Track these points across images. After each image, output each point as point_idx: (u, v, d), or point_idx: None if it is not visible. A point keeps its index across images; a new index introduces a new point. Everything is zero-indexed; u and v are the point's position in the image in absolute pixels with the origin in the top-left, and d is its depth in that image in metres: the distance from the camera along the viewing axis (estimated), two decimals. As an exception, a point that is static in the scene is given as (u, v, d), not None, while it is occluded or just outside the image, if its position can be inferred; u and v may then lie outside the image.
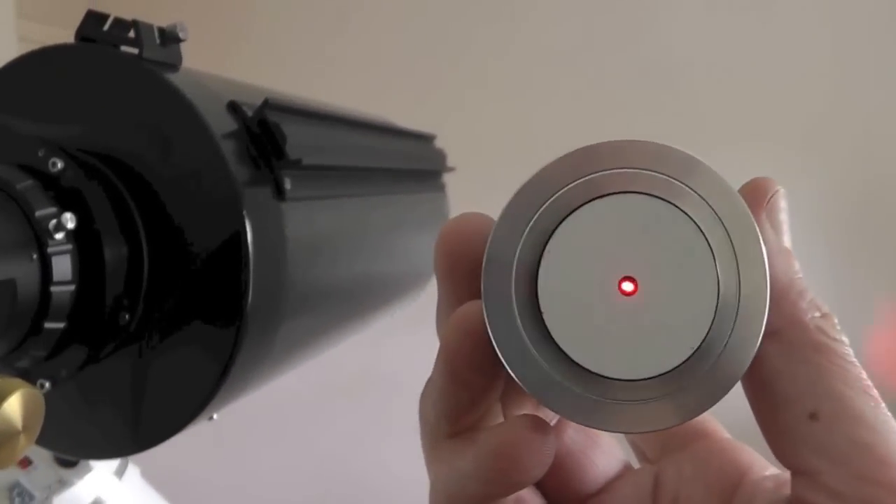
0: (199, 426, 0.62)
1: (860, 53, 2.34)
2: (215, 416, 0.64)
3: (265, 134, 0.61)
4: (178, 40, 0.61)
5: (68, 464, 0.74)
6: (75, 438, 0.63)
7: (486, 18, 2.64)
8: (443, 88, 2.67)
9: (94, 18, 0.61)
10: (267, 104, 0.62)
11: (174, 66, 0.62)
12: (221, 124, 0.59)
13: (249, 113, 0.62)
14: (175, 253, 0.58)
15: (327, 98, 0.91)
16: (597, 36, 2.56)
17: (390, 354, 2.47)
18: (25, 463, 0.74)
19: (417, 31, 2.71)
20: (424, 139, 1.04)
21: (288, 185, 0.61)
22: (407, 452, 2.09)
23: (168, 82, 0.58)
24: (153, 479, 0.85)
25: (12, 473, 0.73)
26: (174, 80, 0.58)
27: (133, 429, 0.62)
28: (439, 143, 1.09)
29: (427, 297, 0.91)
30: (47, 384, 0.57)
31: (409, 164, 0.94)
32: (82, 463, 0.74)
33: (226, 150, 0.57)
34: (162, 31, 0.61)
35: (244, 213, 0.56)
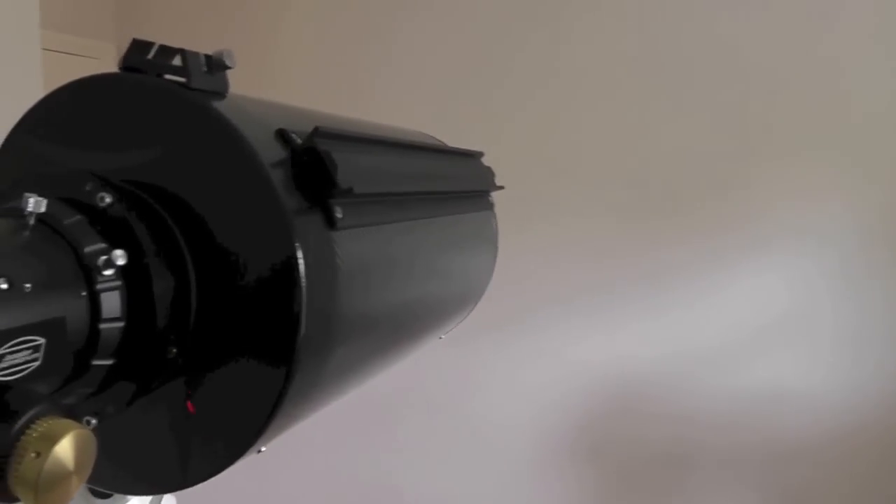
0: (246, 458, 0.61)
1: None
2: (263, 449, 0.62)
3: (315, 162, 0.59)
4: (224, 68, 0.60)
5: (103, 495, 0.73)
6: (121, 474, 0.62)
7: (529, 36, 2.63)
8: (487, 106, 2.66)
9: (139, 47, 0.60)
10: (317, 132, 0.60)
11: (221, 94, 0.60)
12: (270, 153, 0.57)
13: (298, 141, 0.60)
14: (223, 285, 0.57)
15: (371, 115, 0.89)
16: (644, 50, 2.54)
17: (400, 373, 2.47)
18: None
19: (462, 48, 2.71)
20: (472, 157, 1.02)
21: (339, 213, 0.60)
22: (412, 467, 2.07)
23: (216, 112, 0.57)
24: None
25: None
26: (222, 109, 0.57)
27: (181, 464, 0.61)
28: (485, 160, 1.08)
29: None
30: (94, 420, 0.56)
31: (458, 185, 0.92)
32: (117, 495, 0.73)
33: (276, 180, 0.56)
34: (209, 58, 0.60)
35: (296, 244, 0.55)
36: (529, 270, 2.55)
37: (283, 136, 0.60)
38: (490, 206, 1.05)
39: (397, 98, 2.71)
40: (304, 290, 0.55)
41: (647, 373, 2.63)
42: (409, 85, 2.75)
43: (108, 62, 2.87)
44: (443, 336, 0.96)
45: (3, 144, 0.65)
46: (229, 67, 0.60)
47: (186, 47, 0.59)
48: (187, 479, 0.61)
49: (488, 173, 1.04)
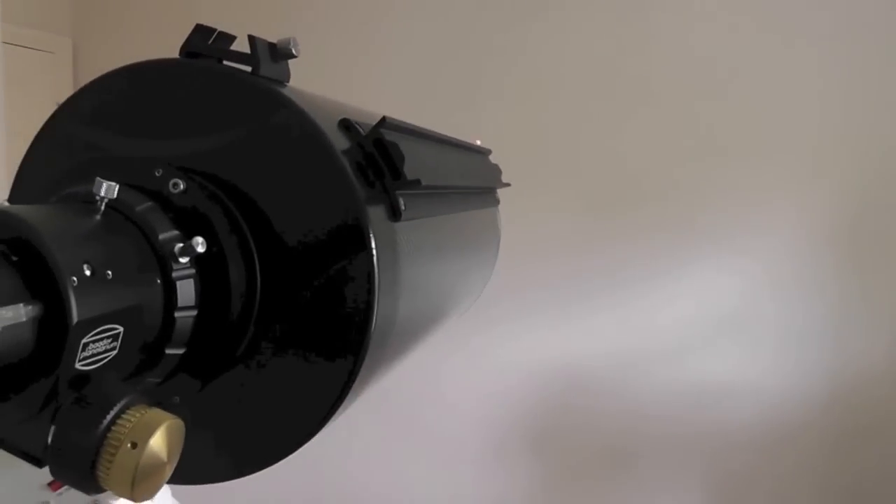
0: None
1: (868, 71, 2.37)
2: None
3: (381, 153, 0.58)
4: (290, 56, 0.59)
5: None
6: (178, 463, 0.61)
7: (496, 36, 2.64)
8: (452, 102, 2.66)
9: (201, 33, 0.59)
10: (384, 122, 0.60)
11: (283, 82, 0.60)
12: (338, 143, 0.57)
13: (362, 132, 0.60)
14: (290, 275, 0.56)
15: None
16: (606, 53, 2.57)
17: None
18: (57, 485, 0.71)
19: (450, 43, 2.71)
20: (484, 154, 1.03)
21: (403, 205, 0.59)
22: (362, 461, 2.06)
23: (288, 100, 0.56)
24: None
25: (42, 495, 0.69)
26: (292, 97, 0.56)
27: (234, 455, 0.60)
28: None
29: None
30: (158, 409, 0.55)
31: (482, 180, 0.93)
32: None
33: (348, 167, 0.55)
34: (273, 46, 0.59)
35: (371, 236, 0.54)
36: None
37: (347, 125, 0.60)
38: (498, 202, 1.06)
39: (372, 92, 2.69)
40: (377, 285, 0.54)
41: (595, 367, 2.66)
42: (379, 81, 2.74)
43: (64, 57, 2.82)
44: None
45: (44, 131, 0.63)
46: (294, 56, 0.59)
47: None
48: (239, 470, 0.60)
49: (497, 170, 1.05)
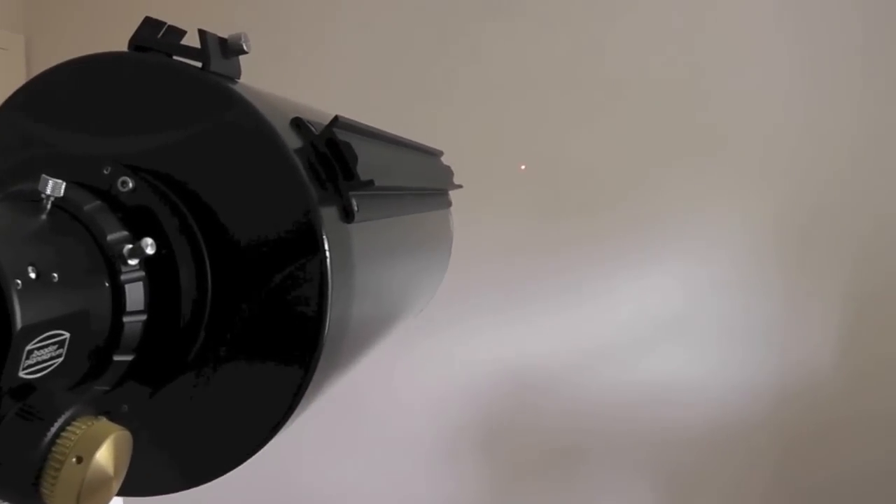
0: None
1: (813, 74, 2.40)
2: None
3: (334, 153, 0.57)
4: (241, 52, 0.57)
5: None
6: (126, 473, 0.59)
7: (442, 39, 2.63)
8: (396, 104, 2.65)
9: (150, 26, 0.56)
10: (336, 122, 0.58)
11: (234, 79, 0.58)
12: (290, 143, 0.55)
13: (315, 131, 0.58)
14: (240, 278, 0.54)
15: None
16: (554, 59, 2.57)
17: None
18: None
19: (410, 42, 2.69)
20: (436, 156, 1.01)
21: (356, 206, 0.58)
22: (312, 462, 2.04)
23: (239, 96, 0.54)
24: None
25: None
26: (244, 93, 0.54)
27: (183, 465, 0.58)
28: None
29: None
30: (104, 420, 0.53)
31: (434, 182, 0.92)
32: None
33: (301, 167, 0.53)
34: (223, 42, 0.57)
35: (324, 238, 0.52)
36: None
37: (298, 124, 0.58)
38: (449, 204, 1.05)
39: (325, 91, 2.66)
40: (330, 288, 0.53)
41: (544, 368, 2.66)
42: (332, 80, 2.71)
43: (16, 53, 2.75)
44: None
45: None
46: (245, 52, 0.57)
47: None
48: (188, 481, 0.58)
49: (449, 172, 1.04)
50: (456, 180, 1.09)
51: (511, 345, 2.68)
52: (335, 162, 0.57)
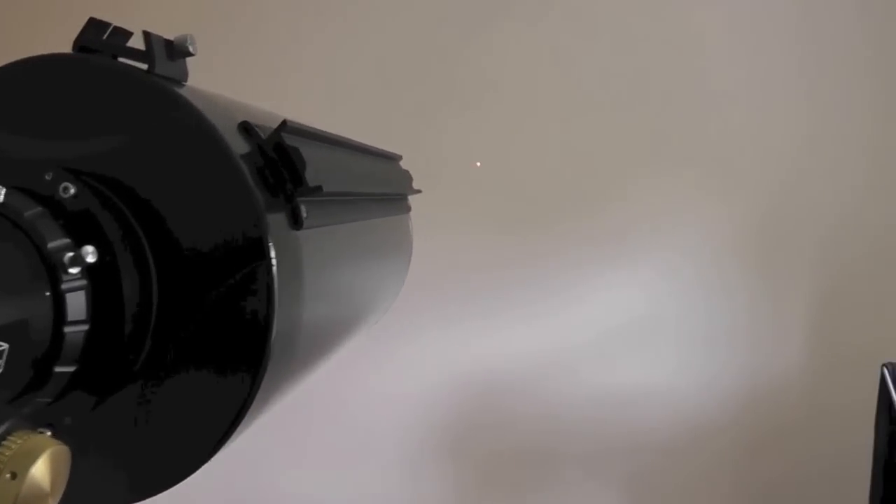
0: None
1: (772, 80, 2.43)
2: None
3: (282, 158, 0.56)
4: (187, 54, 0.56)
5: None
6: (67, 487, 0.57)
7: (410, 43, 2.63)
8: (367, 110, 2.63)
9: (95, 27, 0.55)
10: (284, 126, 0.57)
11: (181, 82, 0.56)
12: (238, 146, 0.54)
13: (263, 135, 0.57)
14: (186, 285, 0.53)
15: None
16: (522, 67, 2.57)
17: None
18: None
19: (378, 47, 2.67)
20: (394, 160, 1.01)
21: (304, 213, 0.57)
22: (279, 470, 2.02)
23: (185, 100, 0.53)
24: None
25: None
26: (189, 97, 0.53)
27: (131, 477, 0.56)
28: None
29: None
30: (48, 432, 0.51)
31: (391, 187, 0.91)
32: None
33: (247, 173, 0.52)
34: (170, 44, 0.56)
35: (270, 245, 0.51)
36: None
37: (247, 128, 0.57)
38: (408, 210, 1.04)
39: (282, 95, 2.64)
40: (276, 294, 0.52)
41: (508, 374, 2.67)
42: (290, 85, 2.69)
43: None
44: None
45: None
46: (191, 54, 0.56)
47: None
48: (137, 493, 0.56)
49: (408, 176, 1.03)
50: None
51: (475, 351, 2.67)
52: (283, 167, 0.56)
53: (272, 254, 0.51)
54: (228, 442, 0.56)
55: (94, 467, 0.56)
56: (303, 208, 0.57)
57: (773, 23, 2.42)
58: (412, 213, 1.07)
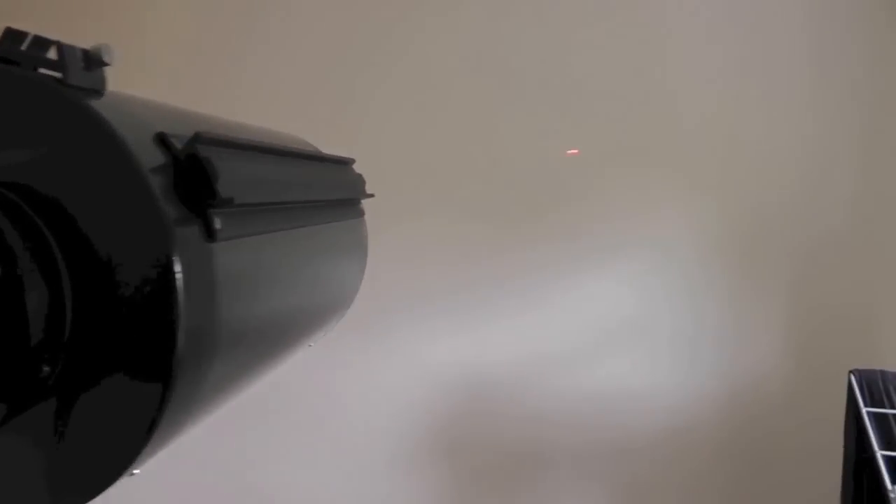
0: (120, 481, 0.57)
1: (755, 84, 2.43)
2: (137, 472, 0.58)
3: (195, 170, 0.56)
4: (102, 64, 0.56)
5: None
6: None
7: (391, 40, 2.62)
8: (349, 108, 2.63)
9: (11, 36, 0.55)
10: (198, 137, 0.57)
11: (98, 91, 0.56)
12: (150, 158, 0.54)
13: (178, 146, 0.57)
14: (98, 298, 0.53)
15: (234, 115, 0.86)
16: (508, 62, 2.57)
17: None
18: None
19: (332, 50, 2.67)
20: (345, 164, 1.00)
21: (218, 224, 0.57)
22: (272, 469, 2.02)
23: (94, 112, 0.53)
24: None
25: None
26: (100, 108, 0.53)
27: (51, 490, 0.57)
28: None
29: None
30: None
31: (333, 193, 0.91)
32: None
33: (155, 187, 0.52)
34: (86, 53, 0.56)
35: (174, 257, 0.52)
36: (387, 273, 2.54)
37: (162, 139, 0.57)
38: (361, 214, 1.04)
39: (260, 96, 2.64)
40: (181, 305, 0.52)
41: (500, 374, 2.67)
42: (270, 84, 2.69)
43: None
44: (311, 344, 0.94)
45: None
46: (107, 64, 0.57)
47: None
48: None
49: (359, 181, 1.03)
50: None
51: (464, 353, 2.69)
52: (197, 179, 0.56)
53: (177, 268, 0.52)
54: (149, 452, 0.56)
55: (7, 484, 0.56)
56: (217, 220, 0.57)
57: (764, 25, 2.42)
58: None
